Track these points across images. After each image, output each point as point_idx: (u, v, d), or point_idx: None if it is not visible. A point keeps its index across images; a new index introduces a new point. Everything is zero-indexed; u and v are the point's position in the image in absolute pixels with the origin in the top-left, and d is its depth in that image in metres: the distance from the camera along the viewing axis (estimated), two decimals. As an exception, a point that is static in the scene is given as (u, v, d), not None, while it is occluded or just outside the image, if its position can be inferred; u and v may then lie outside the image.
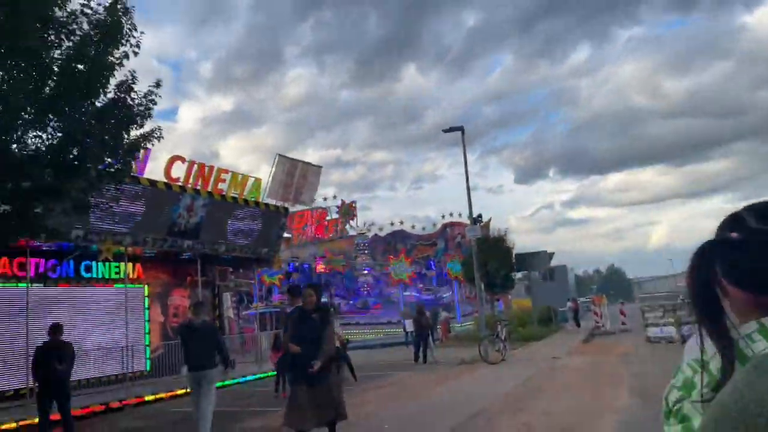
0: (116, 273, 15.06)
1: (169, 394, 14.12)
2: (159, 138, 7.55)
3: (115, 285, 15.03)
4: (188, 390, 10.47)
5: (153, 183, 13.59)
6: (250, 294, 34.08)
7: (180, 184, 14.22)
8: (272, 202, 17.36)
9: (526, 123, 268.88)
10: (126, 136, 7.55)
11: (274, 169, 17.25)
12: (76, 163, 6.87)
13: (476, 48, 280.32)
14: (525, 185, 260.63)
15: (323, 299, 35.59)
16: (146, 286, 16.02)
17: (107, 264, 14.88)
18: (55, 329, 9.06)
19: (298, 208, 46.16)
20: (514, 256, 28.43)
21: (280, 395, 12.53)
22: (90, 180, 6.94)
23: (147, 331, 15.89)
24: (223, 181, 15.37)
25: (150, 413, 12.44)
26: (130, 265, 15.44)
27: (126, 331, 14.24)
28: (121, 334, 14.35)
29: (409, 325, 23.49)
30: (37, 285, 13.35)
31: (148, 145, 7.65)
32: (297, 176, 17.60)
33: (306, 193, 18.14)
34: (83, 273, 14.52)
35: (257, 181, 16.53)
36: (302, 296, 6.79)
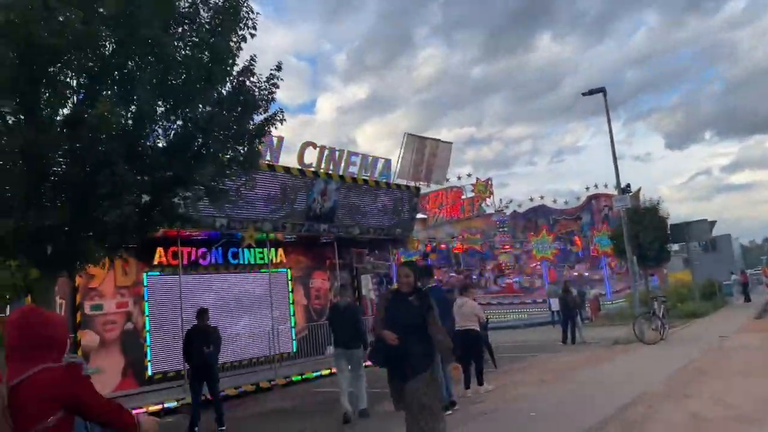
0: (261, 258, 15.66)
1: (315, 374, 14.50)
2: (281, 121, 7.50)
3: (260, 270, 15.64)
4: (333, 370, 11.27)
5: (287, 170, 13.88)
6: (389, 275, 34.64)
7: (313, 169, 14.41)
8: (403, 182, 17.14)
9: (675, 84, 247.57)
10: (250, 121, 7.57)
11: (403, 148, 16.96)
12: (203, 151, 6.97)
13: (615, 9, 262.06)
14: (677, 151, 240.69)
15: (472, 276, 35.15)
16: (289, 270, 16.55)
17: (252, 250, 15.53)
18: (201, 314, 9.46)
19: (433, 188, 46.06)
20: (668, 226, 26.04)
21: None
22: (219, 167, 7.04)
23: (292, 313, 16.44)
24: (354, 164, 15.39)
25: (297, 393, 12.81)
26: (273, 250, 16.02)
27: (271, 314, 14.76)
28: (267, 317, 14.88)
29: (555, 303, 22.40)
30: (189, 273, 14.23)
31: (272, 129, 7.61)
32: (427, 154, 17.18)
33: (437, 171, 17.68)
34: (231, 260, 15.26)
35: (387, 162, 16.38)
36: (397, 276, 5.84)
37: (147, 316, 13.39)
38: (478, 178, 46.99)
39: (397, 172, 16.92)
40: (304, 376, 14.31)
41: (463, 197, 46.81)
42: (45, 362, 2.61)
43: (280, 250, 16.34)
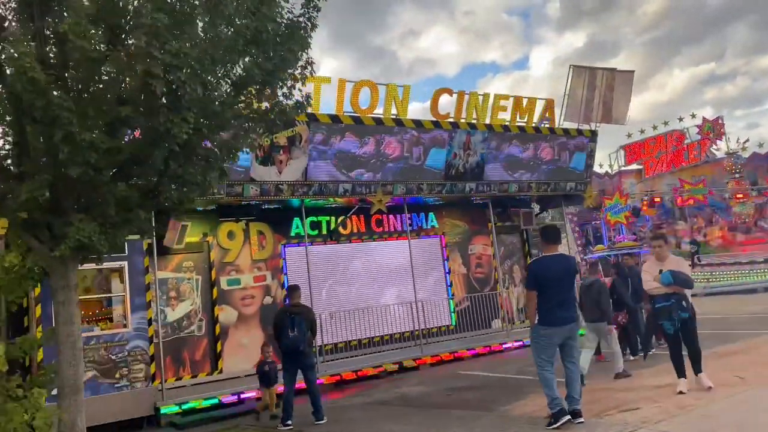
0: (409, 225, 14.24)
1: (469, 352, 12.79)
2: (307, 48, 5.86)
3: (410, 237, 14.25)
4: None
5: (419, 123, 12.17)
6: (598, 235, 31.83)
7: (451, 120, 12.50)
8: (573, 125, 14.31)
9: None
10: (292, 57, 6.01)
11: (569, 84, 14.07)
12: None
13: None
14: None
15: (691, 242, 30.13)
16: (442, 236, 14.92)
17: (398, 216, 14.21)
18: (291, 292, 8.37)
19: (649, 134, 40.67)
20: None
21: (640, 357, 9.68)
22: (235, 118, 5.66)
23: (449, 283, 14.82)
24: (504, 109, 13.09)
25: (441, 375, 11.29)
26: (422, 214, 14.63)
27: (414, 285, 13.07)
28: (418, 288, 13.28)
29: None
30: (330, 244, 13.44)
31: (305, 66, 5.98)
32: (601, 88, 14.07)
33: (618, 108, 14.44)
34: (374, 227, 14.12)
35: (548, 102, 13.74)
36: None
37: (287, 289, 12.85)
38: (704, 118, 40.33)
39: (563, 114, 14.20)
40: (456, 354, 12.66)
41: (687, 142, 40.58)
42: None
43: (431, 214, 14.77)
